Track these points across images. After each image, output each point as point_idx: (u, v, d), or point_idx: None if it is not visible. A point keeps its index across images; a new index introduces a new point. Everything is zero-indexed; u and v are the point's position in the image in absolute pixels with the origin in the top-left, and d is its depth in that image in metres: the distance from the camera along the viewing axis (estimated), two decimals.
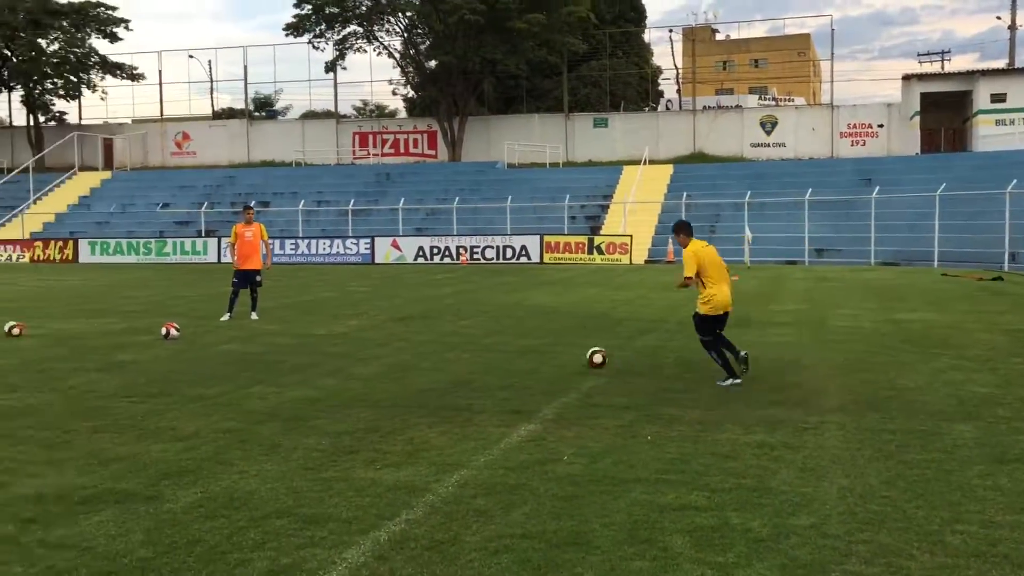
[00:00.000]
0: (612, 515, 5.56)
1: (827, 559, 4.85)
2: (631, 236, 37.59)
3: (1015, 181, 32.96)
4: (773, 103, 57.42)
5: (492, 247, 38.30)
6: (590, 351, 11.00)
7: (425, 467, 6.65)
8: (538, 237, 37.85)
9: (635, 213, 40.77)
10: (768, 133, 51.88)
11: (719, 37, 76.18)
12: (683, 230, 10.04)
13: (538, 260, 37.23)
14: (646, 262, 37.55)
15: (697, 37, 63.29)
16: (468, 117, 53.27)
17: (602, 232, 39.92)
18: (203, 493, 6.10)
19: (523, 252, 37.77)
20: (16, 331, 14.13)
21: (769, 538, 5.16)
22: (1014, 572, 4.68)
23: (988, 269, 29.73)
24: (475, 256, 38.32)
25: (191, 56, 62.61)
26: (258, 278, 16.61)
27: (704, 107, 55.88)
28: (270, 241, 16.94)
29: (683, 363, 11.21)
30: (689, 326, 15.02)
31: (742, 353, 9.85)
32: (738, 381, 9.59)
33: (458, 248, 38.58)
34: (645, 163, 46.59)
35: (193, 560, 4.95)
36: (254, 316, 16.25)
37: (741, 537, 5.18)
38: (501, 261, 37.75)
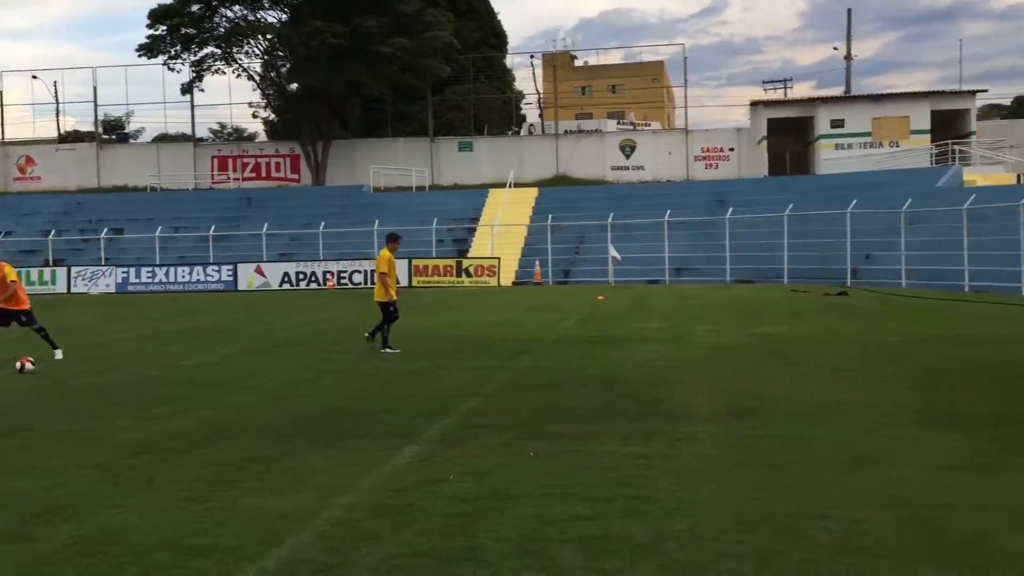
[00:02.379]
0: (501, 530, 5.67)
1: (705, 559, 5.09)
2: (499, 259, 38.05)
3: (855, 201, 35.24)
4: (631, 127, 59.38)
5: (360, 271, 38.01)
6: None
7: (312, 493, 6.60)
8: (406, 261, 37.79)
9: (502, 236, 41.30)
10: (627, 156, 53.60)
11: (577, 63, 78.21)
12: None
13: (407, 284, 37.16)
14: (514, 284, 38.06)
15: (557, 63, 64.83)
16: (332, 141, 52.75)
17: (470, 255, 40.23)
18: (77, 530, 5.87)
19: None
20: None
21: (651, 542, 5.38)
22: (874, 563, 5.06)
23: (833, 284, 31.59)
24: (343, 281, 37.93)
25: (34, 76, 59.76)
26: (23, 318, 15.02)
27: (566, 131, 57.26)
28: (12, 283, 15.07)
29: (559, 382, 11.46)
30: (561, 345, 15.36)
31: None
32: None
33: (325, 273, 38.10)
34: (510, 186, 47.30)
35: None
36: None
37: (625, 543, 5.38)
38: (369, 285, 37.39)
